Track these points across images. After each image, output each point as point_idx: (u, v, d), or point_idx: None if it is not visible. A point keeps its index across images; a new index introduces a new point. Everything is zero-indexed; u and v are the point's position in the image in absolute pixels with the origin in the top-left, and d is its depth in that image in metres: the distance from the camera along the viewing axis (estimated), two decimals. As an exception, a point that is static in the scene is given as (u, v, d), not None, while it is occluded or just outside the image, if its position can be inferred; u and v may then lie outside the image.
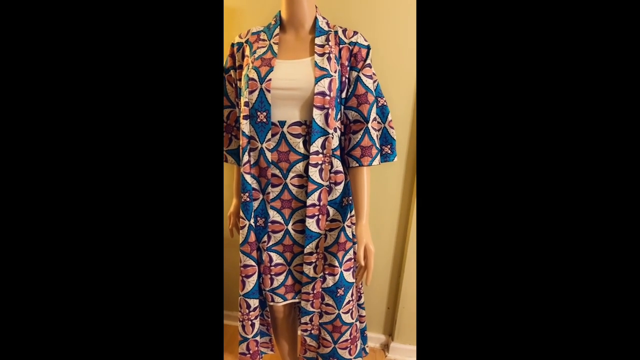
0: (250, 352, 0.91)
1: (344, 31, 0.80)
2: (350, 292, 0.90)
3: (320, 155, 0.77)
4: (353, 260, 0.88)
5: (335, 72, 0.75)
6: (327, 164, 0.78)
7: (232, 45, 0.84)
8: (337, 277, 0.86)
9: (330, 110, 0.74)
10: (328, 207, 0.81)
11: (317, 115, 0.74)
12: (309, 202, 0.78)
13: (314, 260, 0.84)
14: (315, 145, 0.76)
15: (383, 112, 0.86)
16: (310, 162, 0.76)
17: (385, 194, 1.17)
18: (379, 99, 0.85)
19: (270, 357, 1.28)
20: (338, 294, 0.87)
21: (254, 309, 0.87)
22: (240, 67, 0.82)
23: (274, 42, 0.78)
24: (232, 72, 0.85)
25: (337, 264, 0.85)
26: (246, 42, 0.82)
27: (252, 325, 0.89)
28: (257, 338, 0.92)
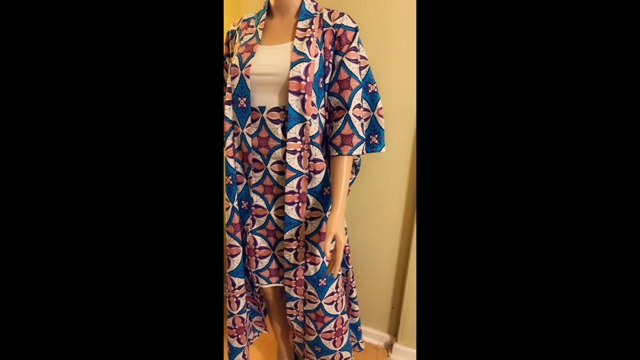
0: (236, 327, 0.97)
1: (330, 13, 0.76)
2: (335, 283, 0.88)
3: (299, 143, 0.76)
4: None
5: (315, 56, 0.73)
6: (305, 152, 0.77)
7: (227, 33, 0.87)
8: (318, 267, 0.85)
9: (306, 96, 0.72)
10: (308, 195, 0.81)
11: (293, 101, 0.73)
12: (287, 189, 0.79)
13: (294, 247, 0.84)
14: (293, 132, 0.75)
15: (373, 99, 0.81)
16: (287, 148, 0.76)
17: (390, 189, 1.11)
18: (369, 85, 0.80)
19: (265, 337, 1.33)
20: (320, 284, 0.86)
21: (239, 287, 0.92)
22: (233, 54, 0.85)
23: (259, 28, 0.78)
24: (227, 59, 0.88)
25: (318, 253, 0.84)
26: (237, 29, 0.84)
27: (237, 302, 0.93)
28: (244, 315, 0.97)
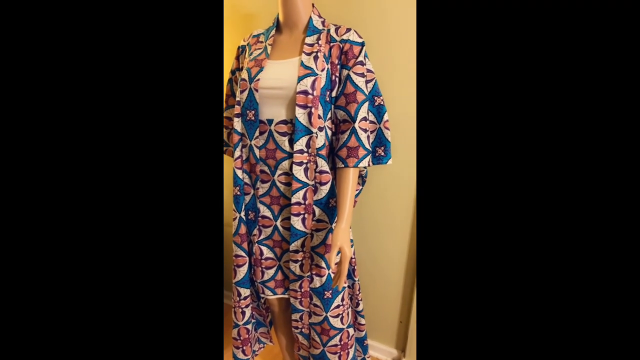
0: (241, 338, 0.96)
1: (337, 29, 0.78)
2: (340, 296, 0.88)
3: (305, 154, 0.77)
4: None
5: (322, 70, 0.74)
6: (312, 163, 0.78)
7: (238, 48, 0.90)
8: (324, 279, 0.84)
9: (313, 109, 0.74)
10: (314, 206, 0.81)
11: (300, 114, 0.74)
12: (293, 200, 0.79)
13: (300, 259, 0.84)
14: (299, 144, 0.76)
15: (379, 111, 0.82)
16: (294, 160, 0.77)
17: (398, 200, 1.10)
18: (375, 97, 0.81)
19: (270, 348, 1.32)
20: (325, 296, 0.86)
21: (245, 298, 0.92)
22: (243, 68, 0.87)
23: (268, 44, 0.81)
24: (237, 73, 0.91)
25: (324, 265, 0.84)
26: (247, 44, 0.86)
27: (243, 313, 0.93)
28: (249, 326, 0.97)
